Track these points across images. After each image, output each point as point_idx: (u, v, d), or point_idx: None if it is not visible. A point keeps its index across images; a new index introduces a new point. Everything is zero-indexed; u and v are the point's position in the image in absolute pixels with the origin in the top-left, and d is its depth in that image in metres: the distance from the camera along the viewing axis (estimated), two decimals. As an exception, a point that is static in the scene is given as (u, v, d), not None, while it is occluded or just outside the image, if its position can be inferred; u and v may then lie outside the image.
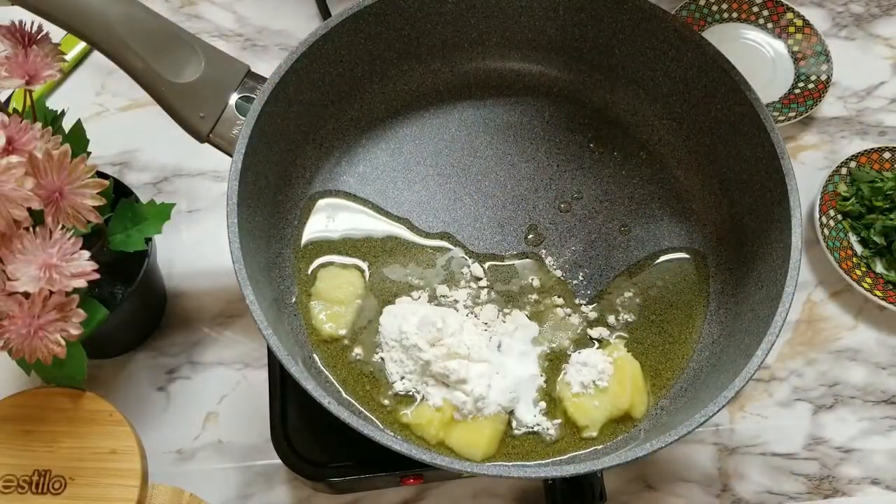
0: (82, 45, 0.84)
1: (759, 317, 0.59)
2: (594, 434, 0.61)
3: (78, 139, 0.59)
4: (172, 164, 0.80)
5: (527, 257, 0.67)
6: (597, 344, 0.64)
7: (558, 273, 0.67)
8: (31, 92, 0.54)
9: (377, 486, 0.67)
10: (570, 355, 0.63)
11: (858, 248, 0.80)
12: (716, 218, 0.69)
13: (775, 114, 0.85)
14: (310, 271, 0.65)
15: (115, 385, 0.70)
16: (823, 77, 0.87)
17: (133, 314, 0.67)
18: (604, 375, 0.61)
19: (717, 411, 0.52)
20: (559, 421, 0.61)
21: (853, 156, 0.82)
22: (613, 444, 0.61)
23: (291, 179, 0.68)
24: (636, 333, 0.65)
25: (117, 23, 0.57)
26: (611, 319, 0.65)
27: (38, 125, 0.49)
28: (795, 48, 0.89)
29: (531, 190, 0.70)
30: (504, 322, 0.64)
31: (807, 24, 0.89)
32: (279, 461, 0.60)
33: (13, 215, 0.46)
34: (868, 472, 0.72)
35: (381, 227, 0.68)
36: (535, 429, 0.61)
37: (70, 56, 0.83)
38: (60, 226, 0.48)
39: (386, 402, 0.61)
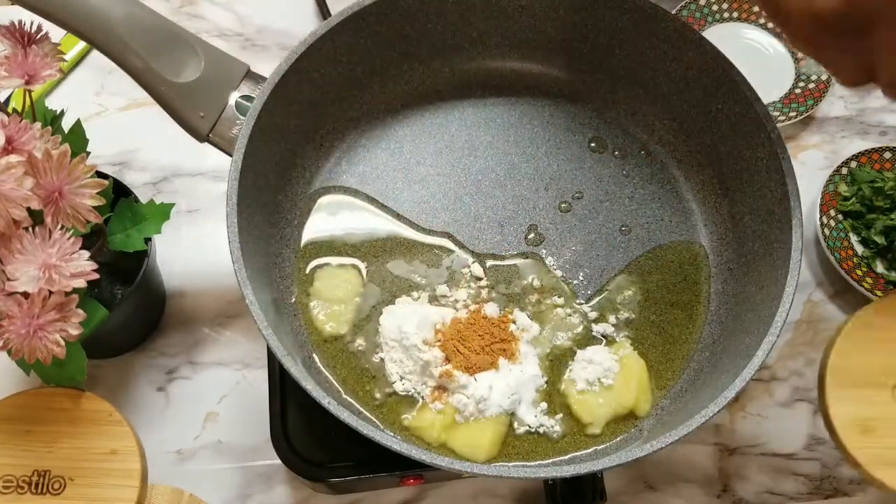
0: (82, 44, 0.84)
1: (759, 317, 0.59)
2: (597, 431, 0.61)
3: (77, 139, 0.59)
4: (172, 164, 0.80)
5: (527, 257, 0.67)
6: (604, 341, 0.64)
7: (559, 273, 0.67)
8: (30, 92, 0.54)
9: (377, 487, 0.67)
10: (575, 352, 0.63)
11: (859, 249, 0.80)
12: (716, 218, 0.69)
13: (775, 113, 0.85)
14: (308, 271, 0.65)
15: (114, 385, 0.70)
16: (824, 77, 0.87)
17: (133, 314, 0.67)
18: (609, 373, 0.61)
19: (718, 411, 0.52)
20: (562, 420, 0.61)
21: (854, 156, 0.82)
22: (614, 444, 0.61)
23: (291, 179, 0.68)
24: (637, 333, 0.65)
25: (117, 22, 0.57)
26: (611, 319, 0.65)
27: (38, 125, 0.49)
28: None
29: (531, 190, 0.70)
30: (504, 322, 0.64)
31: (807, 23, 0.89)
32: (279, 461, 0.60)
33: (13, 215, 0.46)
34: (868, 472, 0.72)
35: (380, 226, 0.68)
36: (538, 429, 0.60)
37: (69, 56, 0.83)
38: (60, 226, 0.48)
39: (386, 402, 0.61)
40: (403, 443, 0.51)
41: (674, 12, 0.83)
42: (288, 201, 0.68)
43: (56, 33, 0.57)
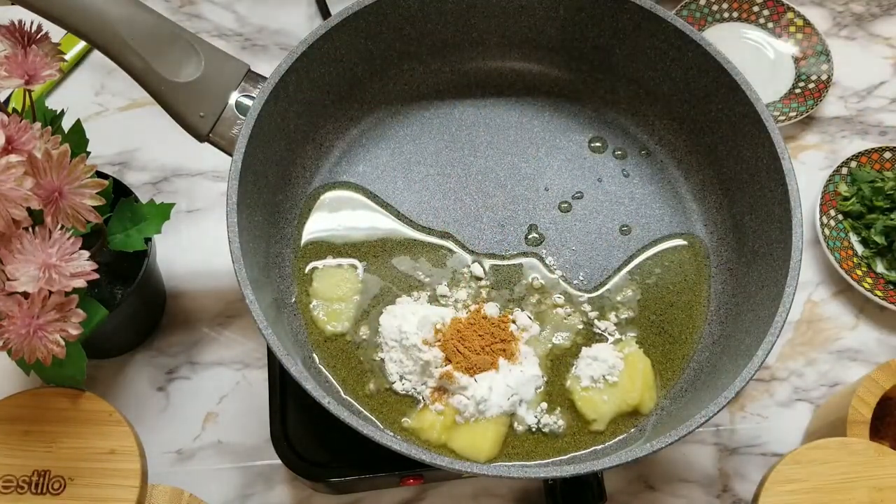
0: (82, 44, 0.84)
1: (759, 317, 0.59)
2: (601, 428, 0.61)
3: (77, 139, 0.59)
4: (172, 164, 0.80)
5: (527, 257, 0.67)
6: (610, 339, 0.64)
7: (559, 273, 0.67)
8: (30, 91, 0.54)
9: (377, 487, 0.67)
10: (577, 351, 0.63)
11: (859, 248, 0.80)
12: (716, 218, 0.69)
13: (775, 114, 0.85)
14: (307, 270, 0.65)
15: (114, 385, 0.70)
16: (824, 77, 0.87)
17: (133, 314, 0.67)
18: (614, 371, 0.61)
19: (718, 412, 0.52)
20: (565, 417, 0.61)
21: (854, 156, 0.82)
22: (614, 444, 0.61)
23: (291, 179, 0.68)
24: (637, 333, 0.65)
25: (117, 22, 0.57)
26: (612, 319, 0.65)
27: (38, 125, 0.49)
28: (796, 48, 0.89)
29: (531, 190, 0.70)
30: (504, 322, 0.64)
31: (807, 23, 0.89)
32: (279, 461, 0.60)
33: (12, 215, 0.46)
34: (868, 472, 0.71)
35: (380, 225, 0.68)
36: (540, 428, 0.60)
37: (69, 56, 0.83)
38: (60, 226, 0.48)
39: (386, 402, 0.61)
40: (403, 443, 0.51)
41: (674, 12, 0.83)
42: (288, 201, 0.68)
43: (56, 33, 0.57)
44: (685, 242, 0.69)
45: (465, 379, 0.59)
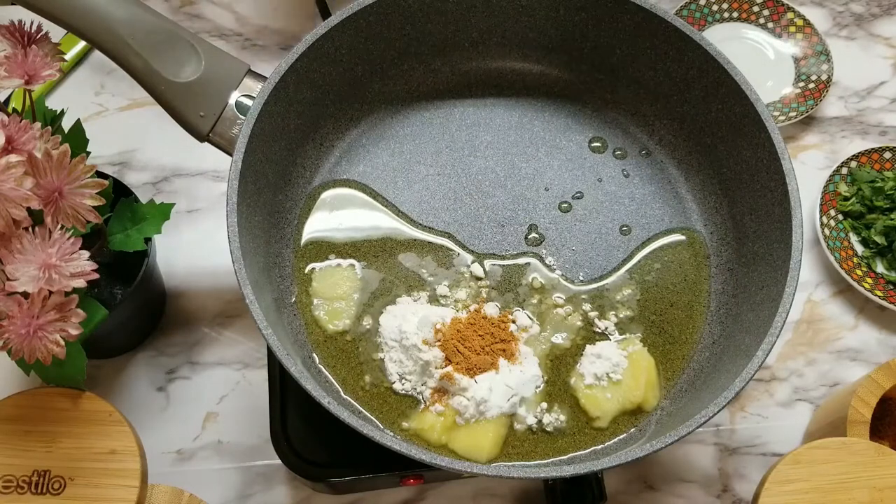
0: (82, 44, 0.84)
1: (759, 317, 0.59)
2: (604, 425, 0.61)
3: (77, 139, 0.59)
4: (172, 164, 0.80)
5: (527, 257, 0.67)
6: (612, 338, 0.64)
7: (559, 273, 0.67)
8: (30, 91, 0.54)
9: (377, 487, 0.67)
10: (577, 351, 0.63)
11: (859, 248, 0.80)
12: (716, 218, 0.69)
13: (775, 114, 0.85)
14: (307, 270, 0.65)
15: (114, 385, 0.70)
16: (824, 77, 0.87)
17: (133, 314, 0.67)
18: (618, 368, 0.62)
19: (718, 412, 0.52)
20: (568, 414, 0.61)
21: (854, 156, 0.82)
22: (614, 444, 0.61)
23: (291, 179, 0.68)
24: (636, 333, 0.65)
25: (118, 22, 0.57)
26: (611, 319, 0.65)
27: (38, 125, 0.49)
28: (796, 48, 0.89)
29: (531, 190, 0.70)
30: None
31: (807, 23, 0.89)
32: (279, 461, 0.60)
33: (12, 215, 0.46)
34: (868, 472, 0.71)
35: (380, 225, 0.68)
36: (542, 427, 0.60)
37: (69, 55, 0.83)
38: (60, 226, 0.48)
39: (386, 402, 0.61)
40: (403, 443, 0.51)
41: (674, 12, 0.83)
42: (288, 201, 0.68)
43: (56, 33, 0.57)
44: (684, 238, 0.69)
45: (465, 380, 0.59)
